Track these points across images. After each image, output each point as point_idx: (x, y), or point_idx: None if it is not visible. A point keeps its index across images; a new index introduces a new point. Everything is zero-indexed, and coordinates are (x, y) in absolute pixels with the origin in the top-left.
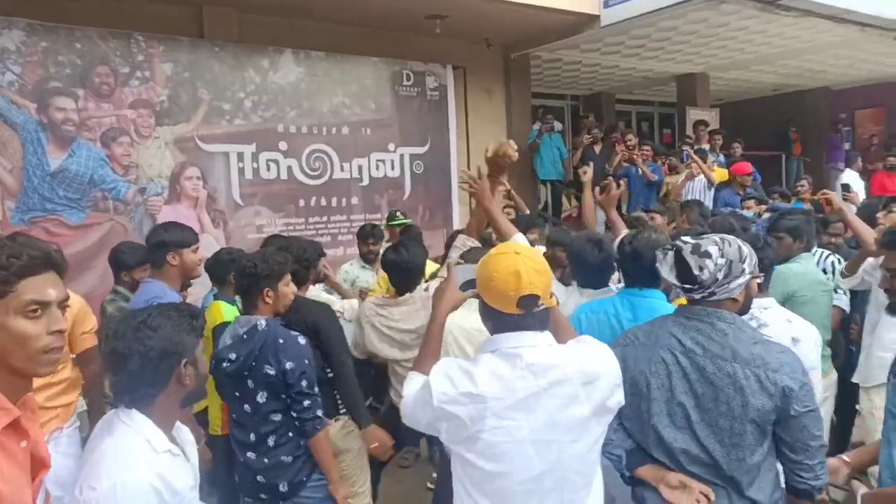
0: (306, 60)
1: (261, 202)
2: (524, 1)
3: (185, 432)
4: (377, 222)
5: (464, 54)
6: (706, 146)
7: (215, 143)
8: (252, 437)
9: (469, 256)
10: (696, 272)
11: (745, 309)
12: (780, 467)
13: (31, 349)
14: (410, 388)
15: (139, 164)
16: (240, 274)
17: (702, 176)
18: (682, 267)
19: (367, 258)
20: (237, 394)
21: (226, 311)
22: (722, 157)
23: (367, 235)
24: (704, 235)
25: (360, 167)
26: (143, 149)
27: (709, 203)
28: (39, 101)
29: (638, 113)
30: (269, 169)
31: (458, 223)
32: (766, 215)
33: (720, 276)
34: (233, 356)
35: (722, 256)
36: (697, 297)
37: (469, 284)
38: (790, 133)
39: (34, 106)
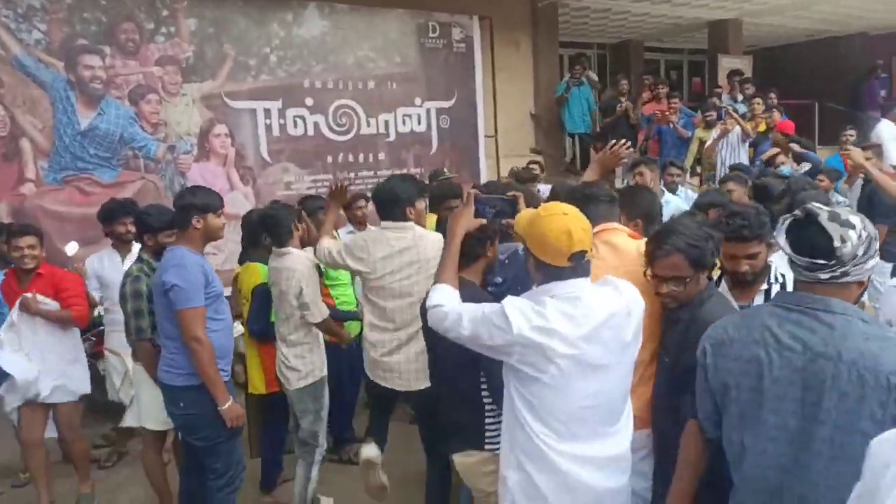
0: (331, 14)
1: (288, 158)
2: None
3: None
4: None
5: (490, 4)
6: (739, 96)
7: (242, 99)
8: None
9: (491, 187)
10: (836, 244)
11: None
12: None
13: None
14: (448, 300)
15: (167, 121)
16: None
17: (736, 129)
18: (817, 237)
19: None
20: None
21: (262, 272)
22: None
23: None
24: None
25: (386, 122)
26: (171, 106)
27: (744, 156)
28: (67, 58)
29: (667, 61)
30: (296, 125)
31: (485, 177)
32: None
33: (860, 251)
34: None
35: (865, 229)
36: (825, 276)
37: (496, 213)
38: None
39: (62, 64)
